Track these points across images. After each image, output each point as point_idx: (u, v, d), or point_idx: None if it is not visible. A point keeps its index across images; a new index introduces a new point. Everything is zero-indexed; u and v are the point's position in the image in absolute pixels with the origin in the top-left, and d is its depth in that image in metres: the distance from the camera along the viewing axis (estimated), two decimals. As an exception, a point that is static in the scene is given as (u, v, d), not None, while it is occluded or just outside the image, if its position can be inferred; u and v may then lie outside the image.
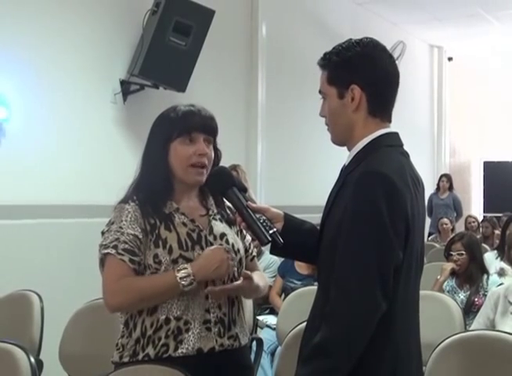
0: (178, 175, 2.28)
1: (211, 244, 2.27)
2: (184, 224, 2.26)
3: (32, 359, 2.53)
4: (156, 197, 2.26)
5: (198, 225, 2.28)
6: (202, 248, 2.24)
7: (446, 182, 10.01)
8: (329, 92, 2.00)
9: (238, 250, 2.34)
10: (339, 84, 1.98)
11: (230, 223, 2.38)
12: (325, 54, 2.03)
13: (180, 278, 2.13)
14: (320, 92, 2.05)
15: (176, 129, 2.26)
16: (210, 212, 2.35)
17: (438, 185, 10.03)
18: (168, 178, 2.28)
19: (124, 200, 2.26)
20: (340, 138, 2.04)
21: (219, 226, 2.34)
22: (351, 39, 2.02)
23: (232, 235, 2.35)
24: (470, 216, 9.72)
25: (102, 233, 2.24)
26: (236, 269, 2.30)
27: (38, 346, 3.46)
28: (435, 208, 9.77)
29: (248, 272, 2.29)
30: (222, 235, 2.31)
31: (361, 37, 2.02)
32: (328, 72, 2.00)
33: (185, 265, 2.16)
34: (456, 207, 9.94)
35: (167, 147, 2.27)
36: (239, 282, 2.25)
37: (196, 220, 2.29)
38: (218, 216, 2.36)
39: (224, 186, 2.18)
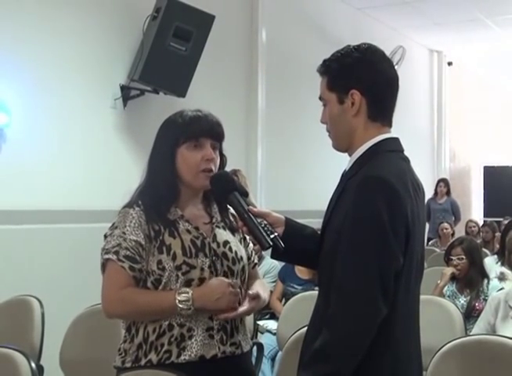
0: (186, 180, 2.28)
1: (215, 251, 2.26)
2: (188, 231, 2.26)
3: (33, 365, 2.54)
4: (162, 202, 2.25)
5: (202, 233, 2.28)
6: (206, 255, 2.24)
7: (444, 186, 10.01)
8: (330, 98, 2.01)
9: (241, 257, 2.33)
10: (339, 90, 1.99)
11: (234, 231, 2.38)
12: (324, 61, 2.05)
13: (179, 301, 2.14)
14: (320, 98, 2.06)
15: (183, 134, 2.26)
16: (214, 220, 2.35)
17: (436, 190, 10.02)
18: (174, 183, 2.28)
19: (129, 205, 2.26)
20: (342, 143, 2.05)
21: (222, 234, 2.33)
22: (349, 45, 2.04)
23: (235, 243, 2.35)
24: (470, 221, 9.72)
25: (105, 236, 2.24)
26: (239, 277, 2.31)
27: (39, 351, 3.46)
28: (433, 213, 9.76)
29: (255, 292, 2.28)
30: (226, 242, 2.31)
31: (359, 43, 2.04)
32: (328, 78, 2.02)
33: (187, 289, 2.16)
34: (454, 212, 9.94)
35: (174, 152, 2.26)
36: (248, 305, 2.24)
37: (200, 227, 2.29)
38: (221, 224, 2.36)
39: (225, 190, 2.18)
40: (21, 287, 3.96)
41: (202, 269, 2.22)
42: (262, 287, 2.38)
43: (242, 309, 2.22)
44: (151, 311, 2.19)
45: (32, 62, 4.79)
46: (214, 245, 2.28)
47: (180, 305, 2.13)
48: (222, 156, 2.35)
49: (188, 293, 2.15)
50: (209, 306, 2.17)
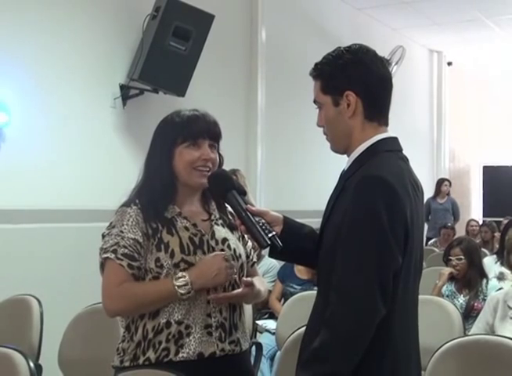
0: (183, 179, 2.28)
1: (213, 249, 2.27)
2: (186, 228, 2.27)
3: (31, 364, 2.53)
4: (159, 201, 2.26)
5: (200, 230, 2.28)
6: (204, 253, 2.25)
7: (449, 186, 10.00)
8: (325, 101, 2.02)
9: (239, 255, 2.34)
10: (333, 92, 1.99)
11: (232, 228, 2.38)
12: (316, 64, 2.05)
13: (178, 286, 2.14)
14: (315, 102, 2.06)
15: (181, 134, 2.26)
16: (213, 217, 2.35)
17: (439, 189, 9.98)
18: (172, 182, 2.28)
19: (126, 204, 2.26)
20: (340, 146, 2.05)
21: (221, 231, 2.34)
22: (339, 47, 2.04)
23: (234, 240, 2.36)
24: (472, 220, 9.72)
25: (103, 236, 2.25)
26: (237, 274, 2.31)
27: (37, 351, 3.46)
28: (434, 213, 9.75)
29: (249, 279, 2.29)
30: (224, 240, 2.32)
31: (350, 44, 2.04)
32: (321, 81, 2.02)
33: (184, 273, 2.16)
34: (454, 212, 9.94)
35: (171, 152, 2.27)
36: (241, 289, 2.25)
37: (198, 224, 2.29)
38: (220, 221, 2.37)
39: (223, 188, 2.18)
40: (20, 287, 3.96)
41: None
42: (259, 282, 2.38)
43: (234, 292, 2.23)
44: (151, 301, 2.19)
45: (31, 61, 4.78)
46: (212, 242, 2.28)
47: (180, 291, 2.14)
48: (220, 156, 2.35)
49: (185, 277, 2.15)
50: (208, 285, 2.19)
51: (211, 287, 2.20)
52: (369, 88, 1.98)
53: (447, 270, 4.86)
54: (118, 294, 2.18)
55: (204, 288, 2.19)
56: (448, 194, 10.01)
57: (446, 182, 10.03)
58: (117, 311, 2.26)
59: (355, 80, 1.97)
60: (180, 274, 2.16)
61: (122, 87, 5.40)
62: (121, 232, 2.20)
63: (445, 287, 4.82)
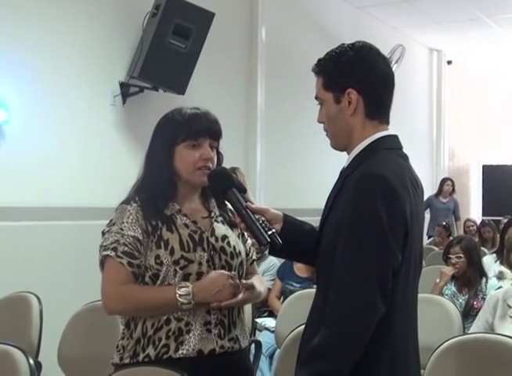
0: (184, 177, 2.28)
1: (213, 246, 2.27)
2: (186, 225, 2.27)
3: (31, 362, 2.54)
4: (159, 198, 2.26)
5: (200, 227, 2.28)
6: (204, 250, 2.25)
7: (451, 185, 9.98)
8: (326, 98, 2.01)
9: (239, 252, 2.34)
10: (335, 89, 1.99)
11: (232, 226, 2.38)
12: (319, 60, 2.04)
13: (179, 295, 2.14)
14: (316, 98, 2.06)
15: (182, 133, 2.26)
16: (213, 214, 2.35)
17: (442, 188, 9.95)
18: (172, 179, 2.28)
19: (126, 201, 2.26)
20: (340, 143, 2.05)
21: (221, 228, 2.34)
22: (343, 44, 2.03)
23: (233, 237, 2.36)
24: (468, 220, 9.71)
25: (103, 233, 2.25)
26: (237, 271, 2.31)
27: (37, 348, 3.46)
28: (436, 212, 9.73)
29: (250, 283, 2.30)
30: (224, 237, 2.32)
31: (353, 42, 2.03)
32: (323, 78, 2.02)
33: (187, 284, 2.17)
34: (455, 211, 9.93)
35: (172, 150, 2.26)
36: (242, 295, 2.24)
37: (198, 222, 2.30)
38: (220, 218, 2.37)
39: (224, 186, 2.18)
40: (19, 284, 3.96)
41: (200, 264, 2.22)
42: (259, 281, 2.38)
43: (234, 299, 2.22)
44: (151, 306, 2.20)
45: (31, 58, 4.78)
46: (212, 239, 2.28)
47: (180, 300, 2.14)
48: (219, 154, 2.35)
49: (188, 287, 2.15)
50: (209, 299, 2.18)
51: (212, 302, 2.19)
52: (371, 86, 1.98)
53: (449, 270, 4.85)
54: (119, 294, 2.19)
55: (205, 303, 2.19)
56: (451, 194, 9.99)
57: (448, 182, 9.99)
58: (116, 311, 2.28)
59: (358, 78, 1.97)
60: (184, 284, 2.17)
61: (122, 85, 5.39)
62: (121, 229, 2.20)
63: (445, 287, 4.82)
